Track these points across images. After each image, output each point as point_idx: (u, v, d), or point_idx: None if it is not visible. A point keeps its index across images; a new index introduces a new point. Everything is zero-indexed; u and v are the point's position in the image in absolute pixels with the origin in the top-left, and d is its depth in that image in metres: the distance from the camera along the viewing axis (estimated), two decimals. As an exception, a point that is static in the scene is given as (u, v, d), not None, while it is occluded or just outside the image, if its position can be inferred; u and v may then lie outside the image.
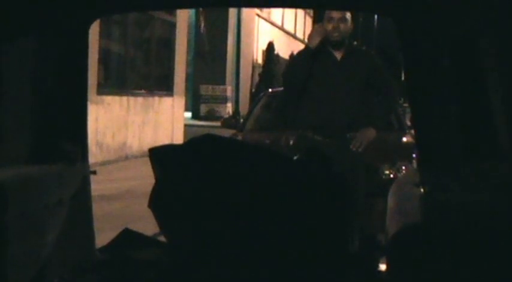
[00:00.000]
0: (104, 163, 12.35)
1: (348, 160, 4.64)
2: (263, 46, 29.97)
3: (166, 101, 16.25)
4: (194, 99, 26.70)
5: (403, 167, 5.78)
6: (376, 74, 4.90)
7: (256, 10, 28.58)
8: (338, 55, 4.88)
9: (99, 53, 12.79)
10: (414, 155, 5.58)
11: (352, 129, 4.78)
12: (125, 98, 14.06)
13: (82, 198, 3.33)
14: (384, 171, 5.75)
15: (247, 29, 27.96)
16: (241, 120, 8.89)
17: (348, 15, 4.83)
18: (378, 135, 4.84)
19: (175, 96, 16.69)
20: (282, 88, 10.78)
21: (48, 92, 3.19)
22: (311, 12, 39.74)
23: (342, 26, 4.79)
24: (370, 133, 4.80)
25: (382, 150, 5.53)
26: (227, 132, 8.21)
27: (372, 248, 4.58)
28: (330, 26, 4.79)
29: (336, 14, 4.75)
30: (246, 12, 26.42)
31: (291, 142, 6.98)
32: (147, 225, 4.11)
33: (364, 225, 4.68)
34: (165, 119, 16.02)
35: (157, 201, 3.27)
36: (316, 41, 4.79)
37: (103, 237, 3.74)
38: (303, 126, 4.93)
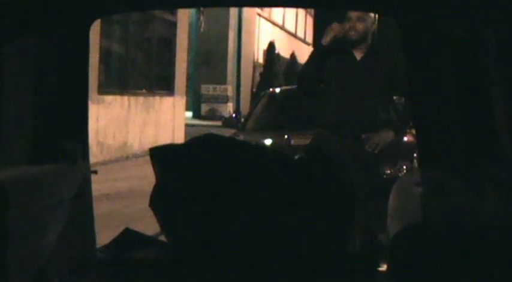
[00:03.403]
0: (104, 163, 12.36)
1: (361, 161, 4.64)
2: (264, 46, 29.97)
3: (167, 100, 16.25)
4: (195, 99, 26.70)
5: (404, 167, 5.78)
6: (400, 74, 4.81)
7: (257, 9, 28.57)
8: (358, 55, 4.83)
9: (100, 53, 12.80)
10: (415, 155, 5.58)
11: (370, 130, 4.76)
12: (125, 98, 14.07)
13: (83, 198, 3.32)
14: (385, 171, 5.75)
15: (248, 28, 27.96)
16: (242, 119, 8.90)
17: (369, 14, 4.79)
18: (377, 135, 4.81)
19: (176, 96, 16.70)
20: (283, 88, 10.83)
21: (49, 92, 3.19)
22: (312, 11, 39.72)
23: (359, 25, 4.74)
24: (387, 135, 4.77)
25: (383, 150, 5.53)
26: (228, 132, 8.22)
27: (373, 248, 4.58)
28: (347, 25, 4.75)
29: (353, 13, 4.70)
30: (247, 11, 26.42)
31: (292, 142, 7.00)
32: (148, 225, 4.11)
33: (366, 225, 4.68)
34: (166, 119, 16.02)
35: (158, 200, 3.27)
36: (327, 38, 4.75)
37: (104, 236, 3.74)
38: (320, 125, 4.92)
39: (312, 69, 4.86)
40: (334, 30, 4.76)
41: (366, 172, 4.70)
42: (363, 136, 4.74)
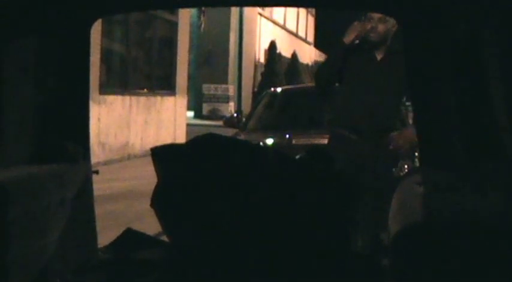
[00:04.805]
0: (106, 163, 12.37)
1: (380, 161, 4.65)
2: (265, 45, 29.99)
3: (169, 100, 16.26)
4: (196, 99, 26.73)
5: (406, 166, 5.78)
6: None
7: (258, 9, 28.59)
8: (378, 55, 4.83)
9: (101, 53, 12.80)
10: (416, 154, 5.58)
11: (389, 129, 4.76)
12: (127, 98, 14.07)
13: (84, 198, 3.33)
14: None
15: (249, 28, 27.97)
16: (244, 119, 8.90)
17: None
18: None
19: (177, 96, 16.71)
20: (284, 87, 10.83)
21: (50, 92, 3.19)
22: (313, 11, 39.74)
23: (380, 26, 4.72)
24: (409, 134, 4.63)
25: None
26: (229, 132, 8.23)
27: (375, 247, 4.58)
28: (368, 26, 4.72)
29: (375, 14, 4.67)
30: (248, 11, 26.44)
31: (293, 141, 7.00)
32: (150, 225, 4.11)
33: (368, 224, 4.68)
34: (168, 119, 16.03)
35: (160, 200, 3.27)
36: (349, 37, 4.73)
37: (105, 236, 3.74)
38: (336, 124, 4.92)
39: (331, 67, 4.86)
40: (357, 29, 4.73)
41: (380, 172, 4.71)
42: (382, 136, 4.74)
